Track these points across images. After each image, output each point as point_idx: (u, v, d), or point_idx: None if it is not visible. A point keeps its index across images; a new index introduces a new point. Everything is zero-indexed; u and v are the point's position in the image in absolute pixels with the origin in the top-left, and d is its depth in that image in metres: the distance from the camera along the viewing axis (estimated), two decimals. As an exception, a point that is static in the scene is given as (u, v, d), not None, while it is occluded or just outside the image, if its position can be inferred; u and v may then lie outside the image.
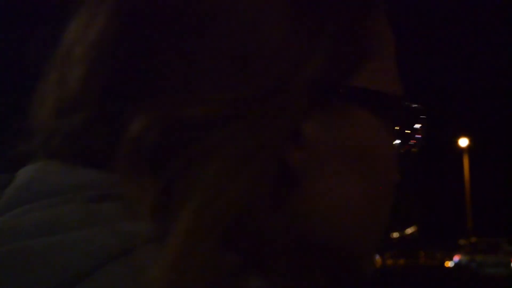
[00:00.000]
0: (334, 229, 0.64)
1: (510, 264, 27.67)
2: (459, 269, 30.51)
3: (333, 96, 0.61)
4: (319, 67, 0.59)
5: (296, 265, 0.60)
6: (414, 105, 0.69)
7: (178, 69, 0.58)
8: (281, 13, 0.60)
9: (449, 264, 35.05)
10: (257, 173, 0.56)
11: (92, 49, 0.62)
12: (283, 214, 0.60)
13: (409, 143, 0.70)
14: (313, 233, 0.63)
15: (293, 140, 0.59)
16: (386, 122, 0.65)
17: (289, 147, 0.59)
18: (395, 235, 48.14)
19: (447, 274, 28.78)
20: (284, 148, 0.59)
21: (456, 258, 32.51)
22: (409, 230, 48.97)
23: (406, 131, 0.69)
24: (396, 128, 0.68)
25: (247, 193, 0.56)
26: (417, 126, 0.69)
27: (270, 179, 0.57)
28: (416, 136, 0.70)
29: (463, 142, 40.99)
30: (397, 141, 0.69)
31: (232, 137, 0.56)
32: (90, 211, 0.56)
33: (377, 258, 41.29)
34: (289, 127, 0.59)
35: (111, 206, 0.56)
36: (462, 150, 40.71)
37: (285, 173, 0.60)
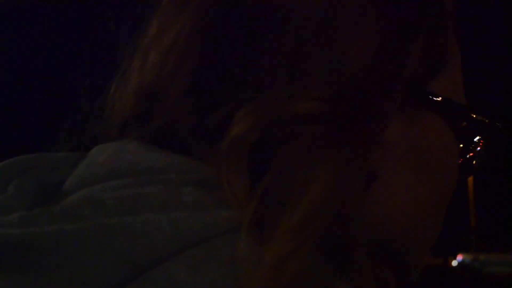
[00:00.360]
0: (403, 229, 0.67)
1: (513, 263, 27.52)
2: (463, 268, 30.35)
3: (416, 101, 0.66)
4: (410, 72, 0.64)
5: (373, 267, 0.61)
6: (479, 117, 0.71)
7: (279, 67, 0.60)
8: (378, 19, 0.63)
9: (452, 263, 34.93)
10: (356, 172, 0.59)
11: (179, 41, 0.64)
12: (364, 214, 0.63)
13: (469, 155, 0.73)
14: (386, 233, 0.66)
15: (375, 139, 0.62)
16: (454, 131, 0.70)
17: (372, 145, 0.62)
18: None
19: (451, 273, 28.65)
20: (370, 147, 0.62)
21: (460, 257, 32.33)
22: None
23: (469, 141, 0.72)
24: (460, 137, 0.71)
25: (347, 192, 0.58)
26: (477, 138, 0.73)
27: (362, 178, 0.61)
28: (478, 149, 0.73)
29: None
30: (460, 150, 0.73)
31: (331, 133, 0.59)
32: (173, 194, 0.57)
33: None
34: (378, 128, 0.62)
35: (194, 191, 0.57)
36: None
37: (367, 172, 0.62)
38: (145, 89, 0.66)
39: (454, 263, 33.30)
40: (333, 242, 0.58)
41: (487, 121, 0.71)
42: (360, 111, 0.60)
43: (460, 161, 0.73)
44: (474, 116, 0.71)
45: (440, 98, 0.67)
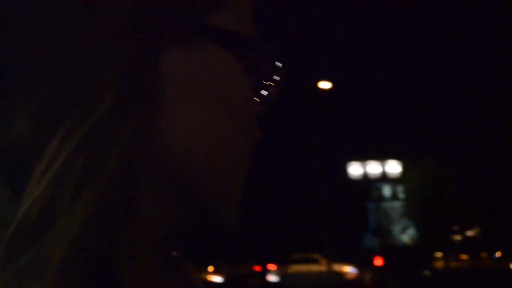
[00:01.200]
0: (189, 162, 0.64)
1: None
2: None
3: (191, 32, 0.64)
4: (181, 5, 0.64)
5: (159, 200, 0.64)
6: (269, 48, 0.70)
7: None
8: None
9: (512, 266, 35.54)
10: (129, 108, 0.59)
11: None
12: (145, 142, 0.61)
13: (268, 89, 0.73)
14: (170, 164, 0.64)
15: (153, 70, 0.62)
16: (242, 63, 0.68)
17: (151, 75, 0.61)
18: (458, 237, 48.64)
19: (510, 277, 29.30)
20: (146, 75, 0.61)
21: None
22: (471, 232, 49.35)
23: (263, 74, 0.72)
24: (249, 69, 0.69)
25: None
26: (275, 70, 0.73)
27: (134, 106, 0.60)
28: (274, 78, 0.73)
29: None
30: (259, 91, 0.73)
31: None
32: None
33: (441, 259, 42.13)
34: (150, 58, 0.62)
35: None
36: None
37: (146, 101, 0.61)
38: None
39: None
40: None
41: (275, 51, 0.70)
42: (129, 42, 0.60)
43: (253, 93, 0.72)
44: (260, 47, 0.69)
45: (218, 28, 0.66)
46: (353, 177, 67.36)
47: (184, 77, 0.64)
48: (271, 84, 0.72)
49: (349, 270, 33.18)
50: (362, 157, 67.38)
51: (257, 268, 43.82)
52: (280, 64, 0.71)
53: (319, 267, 34.03)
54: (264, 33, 0.73)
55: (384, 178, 66.97)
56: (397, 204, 58.54)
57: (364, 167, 68.08)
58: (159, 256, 0.69)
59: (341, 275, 32.64)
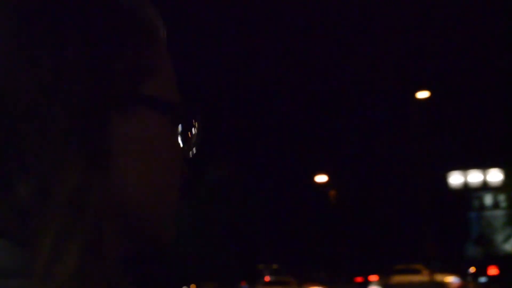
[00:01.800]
0: (140, 205, 0.82)
1: None
2: None
3: (129, 100, 0.81)
4: (118, 81, 0.80)
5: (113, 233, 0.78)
6: (190, 106, 0.90)
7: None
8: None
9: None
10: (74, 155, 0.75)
11: None
12: (93, 187, 0.75)
13: (186, 138, 0.91)
14: (129, 209, 0.82)
15: (100, 131, 0.78)
16: (169, 122, 0.86)
17: (98, 135, 0.77)
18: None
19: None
20: (97, 137, 0.77)
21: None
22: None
23: (188, 130, 0.91)
24: (178, 126, 0.89)
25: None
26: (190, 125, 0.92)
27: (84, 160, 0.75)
28: (190, 133, 0.91)
29: None
30: (181, 141, 0.90)
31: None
32: None
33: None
34: (96, 124, 0.77)
35: None
36: None
37: (100, 155, 0.77)
38: None
39: None
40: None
41: (195, 107, 0.90)
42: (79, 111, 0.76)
43: (178, 142, 0.89)
44: (181, 109, 0.88)
45: (149, 97, 0.83)
46: (454, 187, 66.71)
47: (125, 137, 0.82)
48: (193, 132, 0.92)
49: (451, 280, 33.07)
50: (463, 166, 66.67)
51: (359, 279, 43.97)
52: (198, 117, 0.93)
53: (421, 277, 33.98)
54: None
55: (485, 187, 66.05)
56: (499, 213, 57.62)
57: (465, 176, 67.36)
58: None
59: (443, 285, 32.55)
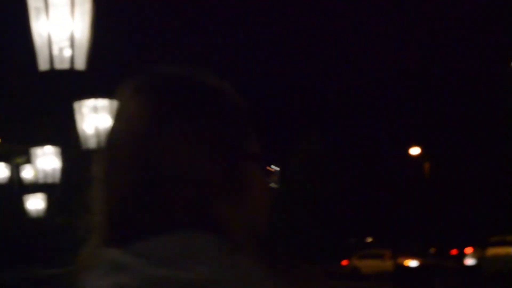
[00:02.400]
0: (259, 225, 1.26)
1: None
2: None
3: (245, 157, 1.25)
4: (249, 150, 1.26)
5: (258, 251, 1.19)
6: (268, 157, 1.34)
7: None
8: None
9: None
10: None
11: None
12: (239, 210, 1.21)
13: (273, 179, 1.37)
14: (254, 224, 1.23)
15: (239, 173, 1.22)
16: (261, 166, 1.30)
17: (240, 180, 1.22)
18: None
19: None
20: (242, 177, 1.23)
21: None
22: None
23: (270, 171, 1.35)
24: (264, 168, 1.32)
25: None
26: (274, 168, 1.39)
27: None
28: (273, 174, 1.38)
29: None
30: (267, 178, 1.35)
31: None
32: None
33: None
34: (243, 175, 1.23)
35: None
36: None
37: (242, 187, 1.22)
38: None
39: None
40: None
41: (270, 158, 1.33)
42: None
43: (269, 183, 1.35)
44: (264, 157, 1.31)
45: (252, 153, 1.27)
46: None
47: (248, 179, 1.26)
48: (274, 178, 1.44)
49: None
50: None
51: (454, 251, 43.51)
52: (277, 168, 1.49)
53: (517, 250, 33.38)
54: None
55: None
56: None
57: None
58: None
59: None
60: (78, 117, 12.39)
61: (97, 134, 12.21)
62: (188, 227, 1.13)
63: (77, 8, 9.71)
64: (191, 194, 1.15)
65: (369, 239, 55.94)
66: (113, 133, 1.23)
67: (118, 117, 1.25)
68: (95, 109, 12.29)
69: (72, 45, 9.68)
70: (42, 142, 18.07)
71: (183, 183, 1.16)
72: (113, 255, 1.13)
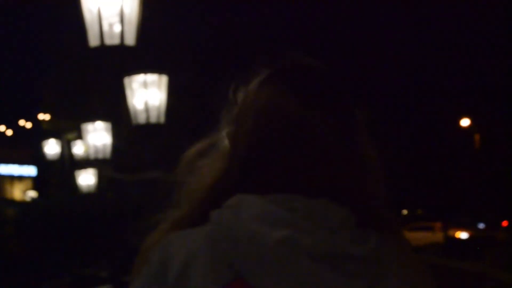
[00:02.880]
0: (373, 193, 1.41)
1: None
2: None
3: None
4: None
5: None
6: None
7: None
8: None
9: None
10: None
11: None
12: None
13: None
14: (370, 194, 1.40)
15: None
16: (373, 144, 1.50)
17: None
18: None
19: None
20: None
21: None
22: None
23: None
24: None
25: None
26: None
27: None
28: None
29: None
30: None
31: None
32: None
33: None
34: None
35: None
36: None
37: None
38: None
39: None
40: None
41: None
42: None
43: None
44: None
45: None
46: None
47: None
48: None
49: None
50: None
51: (505, 223, 43.11)
52: None
53: None
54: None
55: None
56: None
57: None
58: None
59: None
60: (128, 93, 12.46)
61: (147, 109, 12.27)
62: (327, 197, 1.29)
63: (126, -16, 9.75)
64: (335, 171, 1.32)
65: (419, 211, 55.61)
66: (254, 121, 1.37)
67: (259, 105, 1.37)
68: (145, 84, 12.33)
69: (122, 20, 9.74)
70: (93, 118, 18.21)
71: (331, 163, 1.33)
72: (268, 207, 1.26)
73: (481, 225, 41.69)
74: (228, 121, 1.46)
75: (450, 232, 39.15)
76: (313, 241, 1.20)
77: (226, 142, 1.44)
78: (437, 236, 40.03)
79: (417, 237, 40.67)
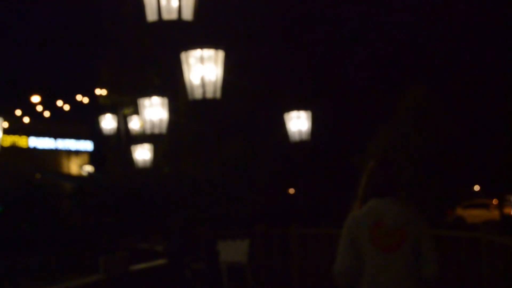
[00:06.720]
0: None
1: None
2: None
3: None
4: None
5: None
6: None
7: None
8: None
9: None
10: None
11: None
12: None
13: None
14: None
15: None
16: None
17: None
18: None
19: None
20: None
21: None
22: None
23: None
24: None
25: None
26: None
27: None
28: None
29: None
30: None
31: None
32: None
33: None
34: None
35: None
36: None
37: None
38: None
39: None
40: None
41: None
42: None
43: None
44: None
45: None
46: None
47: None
48: None
49: None
50: None
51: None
52: None
53: None
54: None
55: None
56: None
57: None
58: None
59: None
60: (185, 68, 12.53)
61: (203, 84, 12.34)
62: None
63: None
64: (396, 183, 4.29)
65: (476, 188, 55.29)
66: (369, 173, 4.35)
67: (372, 167, 4.36)
68: (202, 60, 12.39)
69: (180, -5, 9.79)
70: (149, 93, 18.38)
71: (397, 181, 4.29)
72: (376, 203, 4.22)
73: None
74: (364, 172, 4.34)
75: (507, 210, 38.83)
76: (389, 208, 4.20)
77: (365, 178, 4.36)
78: (493, 214, 39.76)
79: (472, 214, 40.43)
